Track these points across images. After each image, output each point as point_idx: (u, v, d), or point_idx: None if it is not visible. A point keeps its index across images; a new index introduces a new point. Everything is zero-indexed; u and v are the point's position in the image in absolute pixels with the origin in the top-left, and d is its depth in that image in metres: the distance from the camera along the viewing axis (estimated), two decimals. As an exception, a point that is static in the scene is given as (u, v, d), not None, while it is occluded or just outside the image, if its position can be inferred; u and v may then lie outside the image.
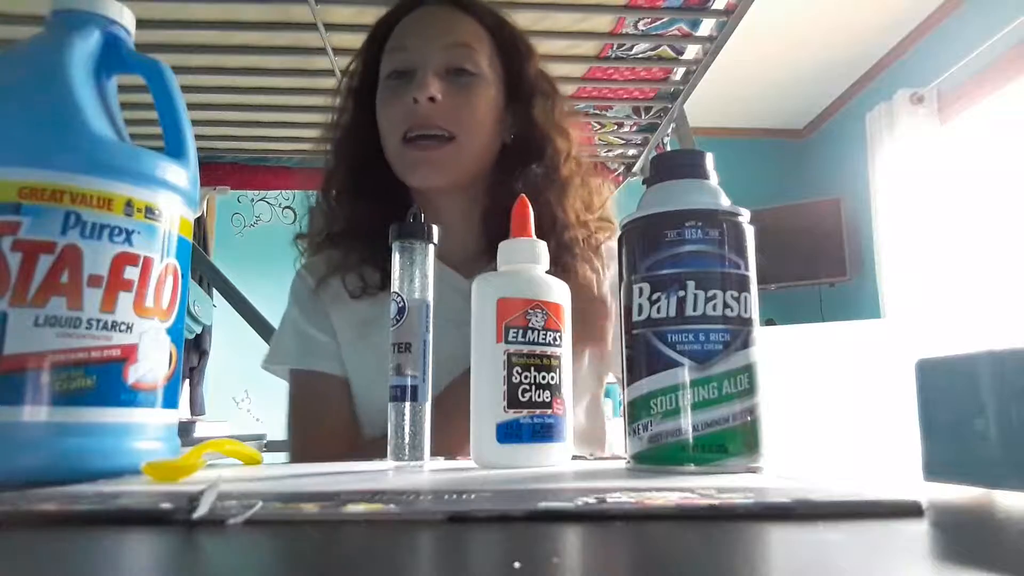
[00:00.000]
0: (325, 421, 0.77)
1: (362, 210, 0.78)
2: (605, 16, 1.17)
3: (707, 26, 1.19)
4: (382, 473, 0.40)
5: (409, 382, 0.46)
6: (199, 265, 1.83)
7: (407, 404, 0.46)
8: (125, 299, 0.39)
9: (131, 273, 0.40)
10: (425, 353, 0.47)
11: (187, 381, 2.54)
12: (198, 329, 2.37)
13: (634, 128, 1.55)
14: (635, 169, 1.69)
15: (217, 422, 2.64)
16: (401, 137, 0.73)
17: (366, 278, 0.76)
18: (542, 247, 0.47)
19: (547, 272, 0.48)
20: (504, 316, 0.44)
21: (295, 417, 0.80)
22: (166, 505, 0.24)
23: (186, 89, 0.49)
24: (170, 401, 0.42)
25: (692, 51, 1.26)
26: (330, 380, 0.77)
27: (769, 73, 3.34)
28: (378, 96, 0.77)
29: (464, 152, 0.74)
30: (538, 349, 0.44)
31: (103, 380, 0.38)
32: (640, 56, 1.28)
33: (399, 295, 0.48)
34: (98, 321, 0.38)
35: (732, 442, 0.39)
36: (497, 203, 0.73)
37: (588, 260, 0.76)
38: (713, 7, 1.13)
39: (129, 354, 0.39)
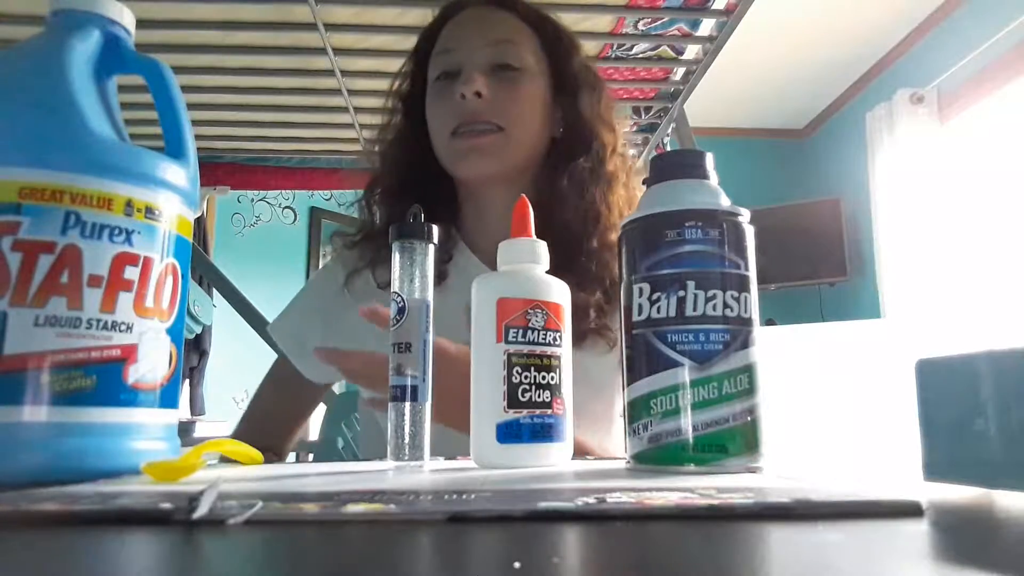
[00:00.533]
0: (280, 419, 0.86)
1: (404, 208, 0.79)
2: (605, 16, 1.17)
3: (707, 26, 1.19)
4: (382, 473, 0.40)
5: (409, 382, 0.46)
6: (199, 265, 1.83)
7: (407, 404, 0.46)
8: (125, 299, 0.39)
9: (131, 273, 0.40)
10: (425, 353, 0.47)
11: (187, 381, 2.54)
12: (198, 329, 2.38)
13: (634, 128, 1.55)
14: (635, 169, 1.69)
15: (217, 422, 2.64)
16: (450, 133, 0.74)
17: None
18: (542, 247, 0.47)
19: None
20: (504, 316, 0.44)
21: (261, 398, 0.87)
22: (166, 505, 0.24)
23: (186, 89, 0.49)
24: (170, 401, 0.42)
25: (692, 51, 1.26)
26: (307, 387, 0.85)
27: (769, 73, 3.34)
28: (428, 99, 0.78)
29: (512, 142, 0.75)
30: (538, 349, 0.44)
31: (103, 380, 0.38)
32: (640, 56, 1.28)
33: (399, 295, 0.48)
34: (98, 321, 0.38)
35: (732, 442, 0.39)
36: (544, 197, 0.74)
37: None
38: (713, 7, 1.13)
39: (129, 354, 0.39)
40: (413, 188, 0.78)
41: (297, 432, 0.91)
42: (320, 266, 3.43)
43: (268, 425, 0.85)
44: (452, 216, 0.82)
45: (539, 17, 0.80)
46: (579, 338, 0.68)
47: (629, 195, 0.79)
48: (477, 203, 0.80)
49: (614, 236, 0.74)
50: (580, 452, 0.54)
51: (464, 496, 0.27)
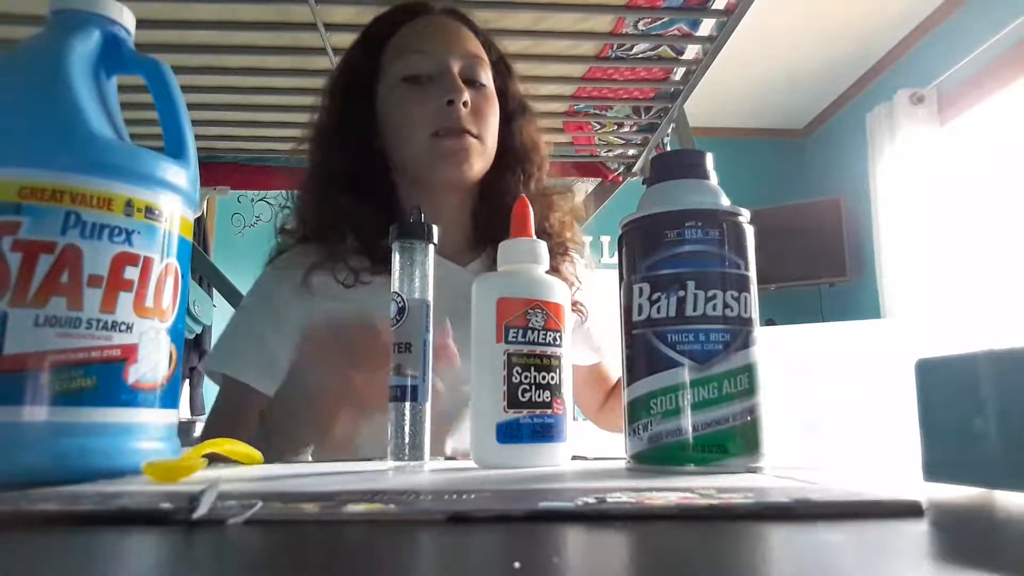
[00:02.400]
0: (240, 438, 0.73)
1: (350, 205, 0.77)
2: (605, 16, 1.17)
3: (707, 26, 1.19)
4: (382, 473, 0.40)
5: (409, 382, 0.46)
6: (199, 265, 1.83)
7: (407, 404, 0.46)
8: (125, 299, 0.39)
9: (131, 273, 0.40)
10: (425, 353, 0.47)
11: (187, 381, 2.54)
12: (198, 329, 2.37)
13: (634, 128, 1.55)
14: (635, 169, 1.69)
15: (217, 422, 2.63)
16: (431, 134, 0.76)
17: (355, 267, 0.75)
18: (542, 247, 0.47)
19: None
20: (504, 316, 0.44)
21: (220, 427, 0.74)
22: (166, 505, 0.24)
23: (186, 89, 0.49)
24: (170, 401, 0.42)
25: (692, 51, 1.26)
26: (258, 400, 0.73)
27: (769, 73, 3.34)
28: (393, 96, 0.77)
29: (486, 152, 0.79)
30: (538, 349, 0.44)
31: (103, 380, 0.38)
32: (640, 56, 1.28)
33: (399, 295, 0.48)
34: (98, 321, 0.38)
35: (732, 442, 0.39)
36: (486, 202, 0.82)
37: (569, 263, 0.85)
38: (713, 7, 1.13)
39: (129, 354, 0.39)
40: (359, 184, 0.77)
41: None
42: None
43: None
44: (389, 215, 0.79)
45: (487, 38, 0.84)
46: None
47: (566, 206, 0.87)
48: (430, 205, 0.77)
49: (555, 242, 0.82)
50: None
51: (464, 496, 0.27)
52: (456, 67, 0.77)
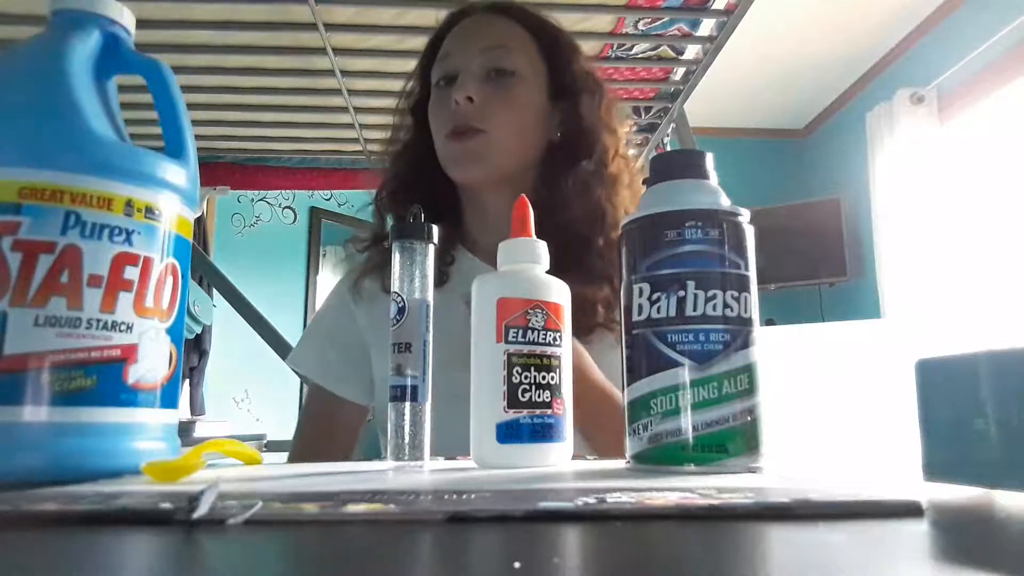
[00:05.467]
0: (332, 445, 0.84)
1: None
2: (605, 16, 1.17)
3: (707, 26, 1.19)
4: (382, 473, 0.40)
5: (409, 382, 0.46)
6: (199, 265, 1.83)
7: (407, 404, 0.46)
8: (125, 299, 0.39)
9: (131, 273, 0.40)
10: (425, 353, 0.47)
11: (187, 381, 2.54)
12: (198, 329, 2.37)
13: (634, 128, 1.55)
14: (635, 169, 1.69)
15: (217, 422, 2.64)
16: (445, 136, 0.77)
17: None
18: (542, 247, 0.47)
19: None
20: (504, 316, 0.44)
21: (306, 428, 0.87)
22: (166, 505, 0.24)
23: (186, 89, 0.49)
24: (170, 401, 0.42)
25: (692, 51, 1.27)
26: (344, 405, 0.84)
27: (769, 73, 3.34)
28: (429, 104, 0.81)
29: (496, 145, 0.75)
30: (538, 349, 0.44)
31: (103, 380, 0.38)
32: (640, 56, 1.28)
33: (399, 295, 0.48)
34: (98, 321, 0.38)
35: (732, 442, 0.39)
36: (547, 199, 0.74)
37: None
38: (713, 7, 1.13)
39: (129, 354, 0.39)
40: (419, 191, 0.81)
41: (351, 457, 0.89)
42: (321, 267, 3.46)
43: (320, 459, 0.81)
44: (456, 219, 0.84)
45: (539, 23, 0.82)
46: (587, 332, 0.71)
47: (633, 194, 0.80)
48: (478, 205, 0.82)
49: (616, 234, 0.75)
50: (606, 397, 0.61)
51: (464, 496, 0.27)
52: (475, 63, 0.76)
